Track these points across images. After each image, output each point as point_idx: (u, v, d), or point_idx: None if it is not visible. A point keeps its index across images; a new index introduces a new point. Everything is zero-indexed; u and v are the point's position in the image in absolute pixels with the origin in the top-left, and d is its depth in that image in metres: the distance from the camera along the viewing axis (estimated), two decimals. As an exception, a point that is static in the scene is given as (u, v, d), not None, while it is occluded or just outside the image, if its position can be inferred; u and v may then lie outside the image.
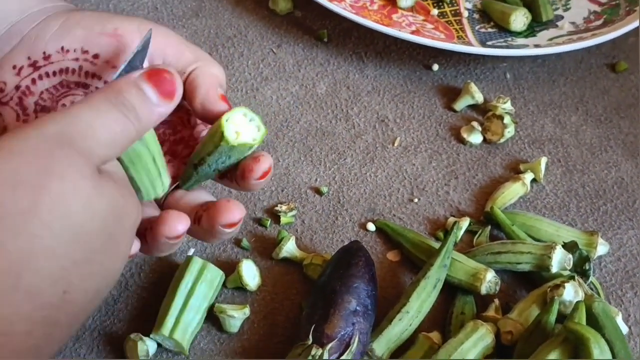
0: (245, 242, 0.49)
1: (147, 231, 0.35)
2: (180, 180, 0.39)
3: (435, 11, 0.63)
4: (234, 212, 0.36)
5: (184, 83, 0.37)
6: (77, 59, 0.37)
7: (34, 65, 0.37)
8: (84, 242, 0.28)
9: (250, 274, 0.46)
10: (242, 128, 0.36)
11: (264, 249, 0.49)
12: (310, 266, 0.47)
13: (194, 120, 0.40)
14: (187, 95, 0.37)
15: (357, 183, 0.53)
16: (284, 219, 0.50)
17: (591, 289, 0.46)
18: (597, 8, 0.63)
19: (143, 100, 0.31)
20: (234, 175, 0.38)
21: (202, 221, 0.37)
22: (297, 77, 0.59)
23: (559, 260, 0.45)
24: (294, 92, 0.58)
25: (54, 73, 0.37)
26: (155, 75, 0.32)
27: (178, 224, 0.34)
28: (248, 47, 0.61)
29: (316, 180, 0.53)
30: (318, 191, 0.52)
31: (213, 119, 0.37)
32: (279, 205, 0.51)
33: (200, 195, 0.39)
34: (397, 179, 0.53)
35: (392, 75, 0.60)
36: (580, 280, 0.45)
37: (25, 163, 0.27)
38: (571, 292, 0.43)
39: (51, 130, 0.29)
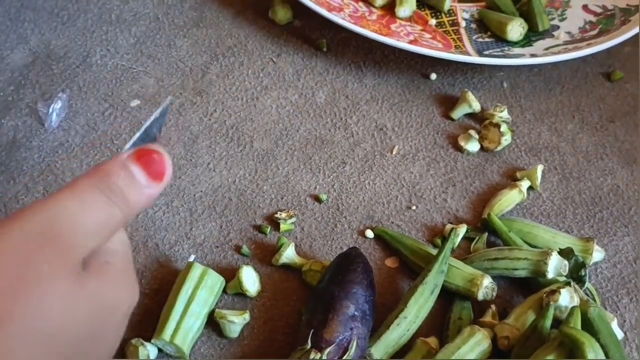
0: (245, 249, 0.49)
1: None
2: None
3: (433, 21, 0.64)
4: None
5: None
6: None
7: None
8: (64, 348, 0.27)
9: (250, 280, 0.47)
10: None
11: (264, 255, 0.49)
12: (309, 272, 0.47)
13: None
14: None
15: (355, 191, 0.53)
16: (283, 226, 0.50)
17: (587, 294, 0.47)
18: (593, 18, 0.64)
19: (131, 183, 0.30)
20: None
21: None
22: (297, 86, 0.60)
23: (555, 266, 0.45)
24: (294, 101, 0.59)
25: None
26: (145, 156, 0.30)
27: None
28: (248, 57, 0.62)
29: (315, 188, 0.53)
30: (317, 199, 0.53)
31: None
32: (278, 212, 0.51)
33: None
34: (395, 186, 0.54)
35: (391, 84, 0.60)
36: (576, 286, 0.45)
37: (5, 265, 0.26)
38: (567, 298, 0.44)
39: (34, 227, 0.27)
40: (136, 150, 0.30)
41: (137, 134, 0.33)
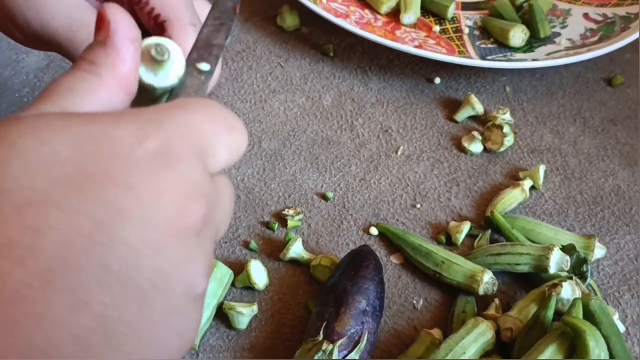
0: (253, 244, 0.50)
1: None
2: None
3: (437, 28, 0.66)
4: None
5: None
6: None
7: None
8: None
9: (258, 273, 0.48)
10: None
11: (272, 250, 0.50)
12: (319, 267, 0.48)
13: None
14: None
15: (361, 189, 0.55)
16: (290, 223, 0.51)
17: (589, 290, 0.48)
18: (593, 25, 0.65)
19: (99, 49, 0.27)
20: None
21: None
22: (304, 89, 0.61)
23: (557, 261, 0.46)
24: (301, 104, 0.60)
25: None
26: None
27: None
28: (256, 61, 0.63)
29: (322, 186, 0.55)
30: (324, 197, 0.54)
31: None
32: (286, 209, 0.52)
33: None
34: (400, 185, 0.55)
35: (396, 88, 0.62)
36: (578, 281, 0.46)
37: None
38: (569, 290, 0.44)
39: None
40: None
41: (211, 13, 0.30)
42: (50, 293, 0.21)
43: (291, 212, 0.52)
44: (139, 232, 0.22)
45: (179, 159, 0.24)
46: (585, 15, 0.67)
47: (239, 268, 0.48)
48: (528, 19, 0.65)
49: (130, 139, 0.23)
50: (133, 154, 0.23)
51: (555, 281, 0.45)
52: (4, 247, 0.21)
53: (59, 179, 0.22)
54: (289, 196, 0.54)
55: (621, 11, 0.66)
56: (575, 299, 0.43)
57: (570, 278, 0.46)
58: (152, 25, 0.35)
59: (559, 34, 0.65)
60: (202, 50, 0.29)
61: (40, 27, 0.36)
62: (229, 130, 0.26)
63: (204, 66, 0.29)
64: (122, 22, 0.27)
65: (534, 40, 0.64)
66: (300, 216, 0.52)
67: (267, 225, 0.52)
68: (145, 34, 0.33)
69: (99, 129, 0.23)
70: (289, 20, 0.65)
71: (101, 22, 0.27)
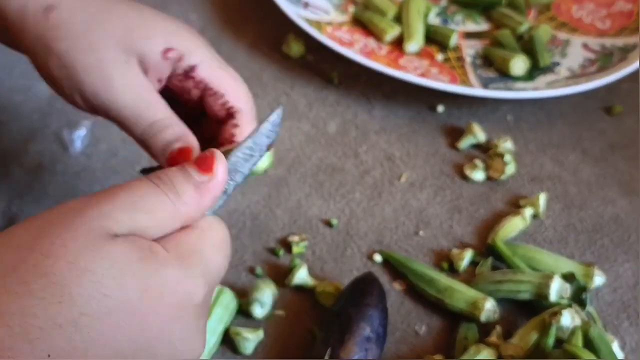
0: (259, 270, 0.51)
1: None
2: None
3: (440, 56, 0.67)
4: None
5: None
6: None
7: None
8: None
9: (263, 300, 0.49)
10: None
11: (277, 276, 0.51)
12: (323, 294, 0.49)
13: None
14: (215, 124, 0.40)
15: (365, 216, 0.56)
16: (295, 249, 0.52)
17: (589, 318, 0.49)
18: (592, 56, 0.67)
19: (182, 175, 0.31)
20: None
21: None
22: (309, 117, 0.63)
23: (557, 289, 0.47)
24: (306, 131, 0.62)
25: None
26: (199, 158, 0.32)
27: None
28: (262, 89, 0.65)
29: (326, 213, 0.56)
30: (328, 223, 0.55)
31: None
32: (291, 236, 0.53)
33: None
34: (403, 212, 0.56)
35: (399, 116, 0.63)
36: (578, 308, 0.47)
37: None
38: (568, 318, 0.45)
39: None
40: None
41: (242, 147, 0.34)
42: None
43: (296, 238, 0.53)
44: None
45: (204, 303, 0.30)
46: (584, 46, 0.68)
47: (244, 294, 0.49)
48: (529, 48, 0.66)
49: (181, 279, 0.29)
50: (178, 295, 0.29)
51: (556, 309, 0.46)
52: None
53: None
54: (294, 222, 0.55)
55: (619, 42, 0.67)
56: (575, 327, 0.44)
57: (570, 306, 0.46)
58: (223, 114, 0.40)
59: (558, 64, 0.66)
60: (230, 173, 0.33)
61: (108, 101, 0.38)
62: (227, 252, 0.32)
63: (226, 188, 0.33)
64: (221, 179, 0.31)
65: (535, 70, 0.65)
66: (305, 242, 0.53)
67: (273, 251, 0.53)
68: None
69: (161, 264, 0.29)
70: (295, 48, 0.67)
71: (207, 165, 0.31)
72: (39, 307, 0.25)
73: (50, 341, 0.25)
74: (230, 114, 0.40)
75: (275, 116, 0.35)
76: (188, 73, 0.40)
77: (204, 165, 0.31)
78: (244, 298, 0.49)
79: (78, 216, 0.28)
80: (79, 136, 0.58)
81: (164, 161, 0.38)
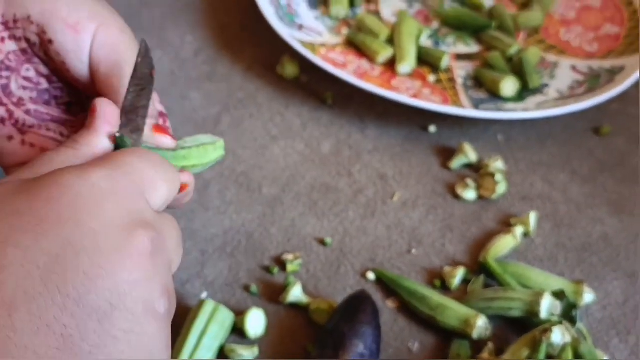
0: (253, 288, 0.52)
1: None
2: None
3: (431, 78, 0.68)
4: None
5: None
6: (37, 34, 0.38)
7: (6, 25, 0.38)
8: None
9: (255, 322, 0.49)
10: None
11: (272, 294, 0.52)
12: (317, 311, 0.50)
13: None
14: None
15: (358, 235, 0.56)
16: (290, 267, 0.53)
17: (579, 335, 0.49)
18: (580, 78, 0.68)
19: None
20: None
21: None
22: (303, 136, 0.64)
23: (548, 306, 0.48)
24: (300, 151, 0.62)
25: (20, 38, 0.38)
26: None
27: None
28: (258, 109, 0.66)
29: (320, 232, 0.56)
30: (322, 242, 0.56)
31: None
32: (285, 254, 0.54)
33: None
34: (396, 231, 0.57)
35: (392, 136, 0.64)
36: (568, 325, 0.48)
37: None
38: (559, 335, 0.46)
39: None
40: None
41: (131, 81, 0.36)
42: (15, 319, 0.25)
43: (290, 256, 0.54)
44: (91, 259, 0.26)
45: (123, 192, 0.29)
46: (573, 68, 0.69)
47: (240, 311, 0.50)
48: (518, 70, 0.67)
49: (76, 180, 0.28)
50: (80, 191, 0.28)
51: (546, 326, 0.47)
52: None
53: (17, 225, 0.27)
54: (289, 241, 0.56)
55: (606, 64, 0.69)
56: (565, 344, 0.44)
57: (561, 323, 0.47)
58: None
59: (547, 85, 0.68)
60: (130, 114, 0.35)
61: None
62: (164, 168, 0.32)
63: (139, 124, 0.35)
64: (106, 110, 0.33)
65: (524, 91, 0.67)
66: (300, 261, 0.54)
67: (267, 269, 0.53)
68: None
69: (49, 177, 0.28)
70: (289, 70, 0.68)
71: (91, 112, 0.33)
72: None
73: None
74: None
75: (142, 47, 0.36)
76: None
77: (89, 114, 0.33)
78: (239, 315, 0.50)
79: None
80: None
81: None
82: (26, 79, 0.39)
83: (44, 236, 0.26)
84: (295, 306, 0.51)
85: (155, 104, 0.40)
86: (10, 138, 0.38)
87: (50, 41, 0.37)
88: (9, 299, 0.25)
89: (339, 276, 0.54)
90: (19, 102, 0.39)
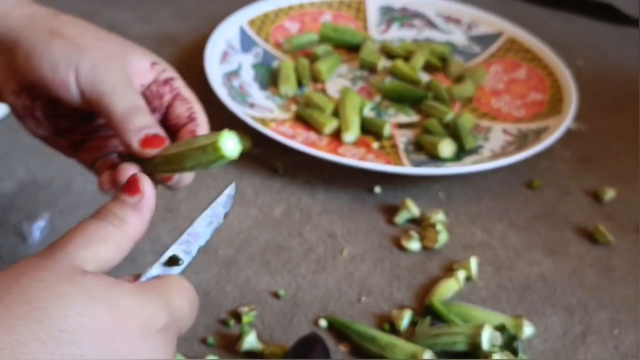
0: (211, 340, 0.54)
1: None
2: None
3: (375, 145, 0.73)
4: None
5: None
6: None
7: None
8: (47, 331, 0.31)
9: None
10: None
11: (228, 344, 0.54)
12: (271, 355, 0.52)
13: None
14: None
15: (310, 288, 0.59)
16: (245, 319, 0.55)
17: (521, 365, 0.52)
18: (511, 139, 0.74)
19: (121, 205, 0.36)
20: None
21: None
22: (256, 203, 0.67)
23: (489, 337, 0.51)
24: (254, 216, 0.66)
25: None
26: (126, 184, 0.37)
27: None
28: (213, 180, 0.70)
29: (274, 286, 0.59)
30: (276, 295, 0.58)
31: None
32: (240, 307, 0.56)
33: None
34: (346, 283, 0.60)
35: (340, 198, 0.68)
36: (509, 354, 0.50)
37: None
38: (499, 362, 0.49)
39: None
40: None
41: (203, 216, 0.41)
42: None
43: (246, 309, 0.56)
44: None
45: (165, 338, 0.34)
46: (504, 131, 0.76)
47: (197, 362, 0.52)
48: (455, 134, 0.73)
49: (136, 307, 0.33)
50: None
51: (487, 353, 0.49)
52: None
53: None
54: (244, 297, 0.58)
55: (533, 126, 0.75)
56: (505, 368, 0.47)
57: (502, 351, 0.50)
58: (185, 118, 0.46)
59: (482, 147, 0.73)
60: (191, 237, 0.40)
61: (102, 77, 0.43)
62: (195, 306, 0.38)
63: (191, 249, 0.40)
64: (150, 194, 0.37)
65: (461, 153, 0.72)
66: (255, 312, 0.56)
67: (224, 322, 0.56)
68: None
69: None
70: (242, 143, 0.73)
71: (134, 187, 0.37)
72: (23, 327, 0.29)
73: (34, 355, 0.28)
74: (191, 119, 0.46)
75: (230, 189, 0.42)
76: (167, 81, 0.46)
77: (132, 188, 0.37)
78: (196, 367, 0.51)
79: (49, 258, 0.32)
80: (38, 227, 0.62)
81: (137, 143, 0.42)
82: None
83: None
84: (251, 354, 0.53)
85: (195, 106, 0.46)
86: None
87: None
88: None
89: (293, 325, 0.56)
90: None
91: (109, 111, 0.43)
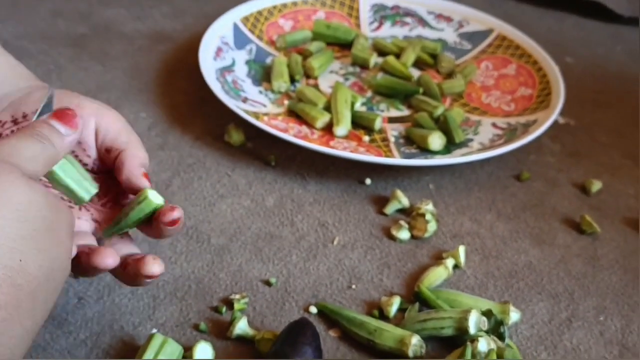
0: (203, 326, 0.55)
1: (82, 255, 0.45)
2: (104, 230, 0.50)
3: (366, 138, 0.75)
4: (155, 267, 0.47)
5: (115, 160, 0.50)
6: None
7: (15, 122, 0.49)
8: (28, 221, 0.37)
9: (203, 355, 0.52)
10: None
11: (220, 331, 0.55)
12: (262, 341, 0.53)
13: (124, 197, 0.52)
14: (116, 170, 0.50)
15: (301, 275, 0.60)
16: (237, 306, 0.56)
17: (507, 349, 0.53)
18: (500, 132, 0.75)
19: (53, 131, 0.42)
20: (150, 224, 0.49)
21: (129, 268, 0.47)
22: (249, 193, 0.68)
23: (475, 322, 0.52)
24: (246, 206, 0.67)
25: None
26: (60, 113, 0.44)
27: (108, 258, 0.45)
28: (206, 172, 0.71)
29: (266, 274, 0.60)
30: (267, 282, 0.59)
31: (135, 191, 0.49)
32: (232, 294, 0.57)
33: (130, 247, 0.50)
34: (336, 270, 0.61)
35: (331, 190, 0.69)
36: (495, 338, 0.51)
37: None
38: (485, 344, 0.50)
39: None
40: (54, 111, 0.44)
41: (35, 116, 0.46)
42: None
43: (238, 296, 0.57)
44: None
45: None
46: (493, 125, 0.77)
47: (189, 348, 0.52)
48: (445, 128, 0.74)
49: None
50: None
51: (474, 337, 0.50)
52: None
53: None
54: (236, 284, 0.59)
55: (522, 119, 0.76)
56: (490, 350, 0.48)
57: (488, 334, 0.51)
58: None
59: (472, 140, 0.74)
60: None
61: (117, 136, 0.51)
62: None
63: None
64: (80, 130, 0.45)
65: (451, 145, 0.73)
66: (246, 299, 0.57)
67: (216, 309, 0.56)
68: None
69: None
70: (235, 137, 0.74)
71: (72, 122, 0.44)
72: None
73: None
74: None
75: (49, 94, 0.48)
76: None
77: (69, 122, 0.44)
78: (188, 352, 0.52)
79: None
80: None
81: (137, 175, 0.49)
82: None
83: None
84: (242, 340, 0.54)
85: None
86: None
87: None
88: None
89: (284, 312, 0.57)
90: None
91: (116, 155, 0.51)
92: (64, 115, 0.44)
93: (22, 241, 0.36)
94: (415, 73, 0.85)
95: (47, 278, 0.38)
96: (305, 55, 0.85)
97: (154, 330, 0.54)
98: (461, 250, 0.61)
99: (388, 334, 0.53)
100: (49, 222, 0.38)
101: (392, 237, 0.64)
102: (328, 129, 0.75)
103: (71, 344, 0.53)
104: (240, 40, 0.85)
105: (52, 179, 0.45)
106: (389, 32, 0.92)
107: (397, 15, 0.93)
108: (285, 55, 0.85)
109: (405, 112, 0.79)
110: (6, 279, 0.35)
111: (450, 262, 0.60)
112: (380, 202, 0.68)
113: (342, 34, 0.89)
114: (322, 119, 0.75)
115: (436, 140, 0.72)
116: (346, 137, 0.74)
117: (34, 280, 0.37)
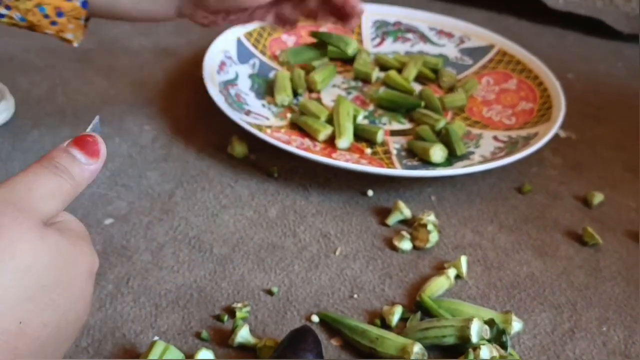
0: (204, 334, 0.55)
1: None
2: None
3: (368, 150, 0.75)
4: None
5: None
6: None
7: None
8: (33, 279, 0.33)
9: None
10: None
11: (222, 339, 0.55)
12: (264, 349, 0.53)
13: None
14: None
15: (303, 285, 0.60)
16: (239, 314, 0.56)
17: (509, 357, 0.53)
18: (501, 145, 0.76)
19: (73, 161, 0.37)
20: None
21: None
22: (251, 204, 0.69)
23: (477, 330, 0.52)
24: (249, 217, 0.67)
25: None
26: (81, 141, 0.39)
27: None
28: (209, 183, 0.71)
29: (268, 283, 0.60)
30: (269, 292, 0.59)
31: None
32: (235, 303, 0.57)
33: None
34: (338, 280, 0.61)
35: (333, 201, 0.70)
36: (497, 347, 0.51)
37: None
38: (487, 353, 0.49)
39: None
40: (73, 139, 0.39)
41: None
42: None
43: (240, 305, 0.57)
44: None
45: None
46: (495, 138, 0.77)
47: (191, 355, 0.52)
48: (446, 141, 0.75)
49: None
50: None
51: (476, 346, 0.50)
52: None
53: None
54: (238, 293, 0.59)
55: (523, 133, 0.76)
56: (492, 358, 0.48)
57: (490, 342, 0.51)
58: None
59: (473, 153, 0.75)
60: None
61: None
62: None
63: None
64: (104, 161, 0.39)
65: (452, 158, 0.73)
66: (248, 308, 0.57)
67: (218, 317, 0.56)
68: None
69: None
70: (238, 149, 0.74)
71: (93, 150, 0.38)
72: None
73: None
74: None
75: (96, 120, 0.42)
76: None
77: (90, 150, 0.38)
78: (189, 359, 0.52)
79: (12, 206, 0.34)
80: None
81: None
82: None
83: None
84: (244, 348, 0.54)
85: None
86: None
87: None
88: None
89: (285, 320, 0.57)
90: None
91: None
92: (85, 143, 0.39)
93: (24, 302, 0.33)
94: (417, 87, 0.85)
95: (57, 331, 0.35)
96: (308, 69, 0.86)
97: (156, 338, 0.54)
98: (463, 260, 0.61)
99: (390, 342, 0.52)
100: (59, 275, 0.35)
101: (394, 248, 0.64)
102: (330, 141, 0.76)
103: (73, 352, 0.53)
104: (244, 55, 0.86)
105: None
106: (390, 47, 0.93)
107: (399, 31, 0.94)
108: (288, 70, 0.86)
109: (407, 125, 0.80)
110: (2, 343, 0.33)
111: (452, 272, 0.60)
112: (382, 213, 0.68)
113: (344, 45, 0.89)
114: (325, 132, 0.75)
115: (438, 153, 0.73)
116: (348, 150, 0.75)
117: (37, 340, 0.34)
